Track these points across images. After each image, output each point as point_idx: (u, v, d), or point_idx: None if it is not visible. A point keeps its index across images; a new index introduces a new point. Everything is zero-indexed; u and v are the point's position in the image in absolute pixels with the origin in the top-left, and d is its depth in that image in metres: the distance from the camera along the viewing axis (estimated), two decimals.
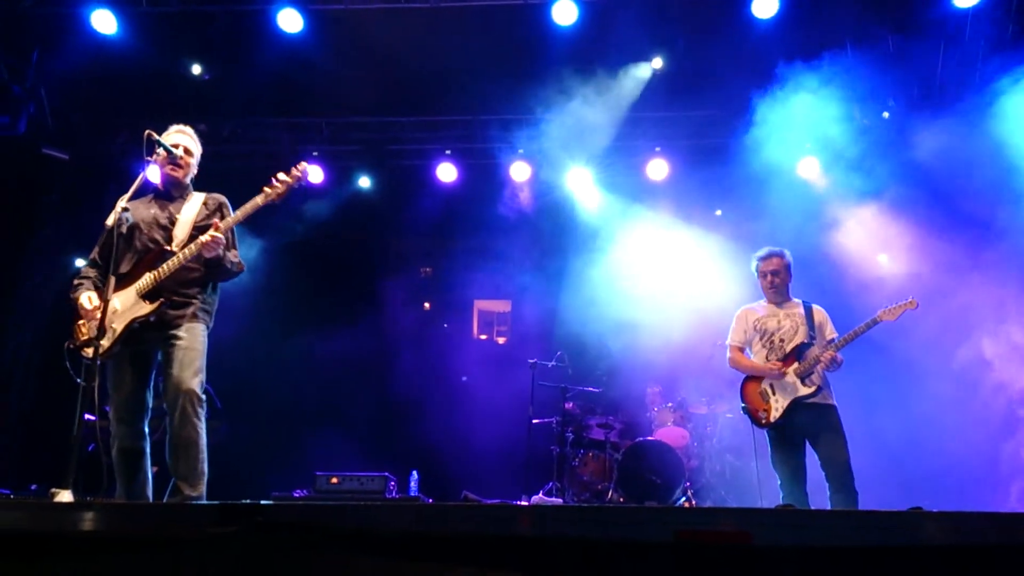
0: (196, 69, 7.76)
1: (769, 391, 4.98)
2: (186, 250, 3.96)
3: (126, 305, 3.93)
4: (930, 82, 7.34)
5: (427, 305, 9.66)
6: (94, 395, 3.58)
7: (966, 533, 2.40)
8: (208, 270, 4.10)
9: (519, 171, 8.79)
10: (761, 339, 5.14)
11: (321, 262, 8.83)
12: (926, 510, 3.94)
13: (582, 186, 8.88)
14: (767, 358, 5.07)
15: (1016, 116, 6.84)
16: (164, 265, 3.95)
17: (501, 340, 9.54)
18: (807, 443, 4.87)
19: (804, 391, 4.86)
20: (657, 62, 7.63)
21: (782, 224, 7.88)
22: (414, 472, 7.41)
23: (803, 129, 7.79)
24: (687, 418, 7.60)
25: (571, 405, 7.80)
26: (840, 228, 7.82)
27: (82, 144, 8.58)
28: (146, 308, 3.90)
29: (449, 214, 9.11)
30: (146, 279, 3.95)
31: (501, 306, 9.63)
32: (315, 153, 8.83)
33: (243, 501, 2.32)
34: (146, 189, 4.32)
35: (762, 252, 5.28)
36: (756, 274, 5.27)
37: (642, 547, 2.23)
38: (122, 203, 3.87)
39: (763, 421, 4.98)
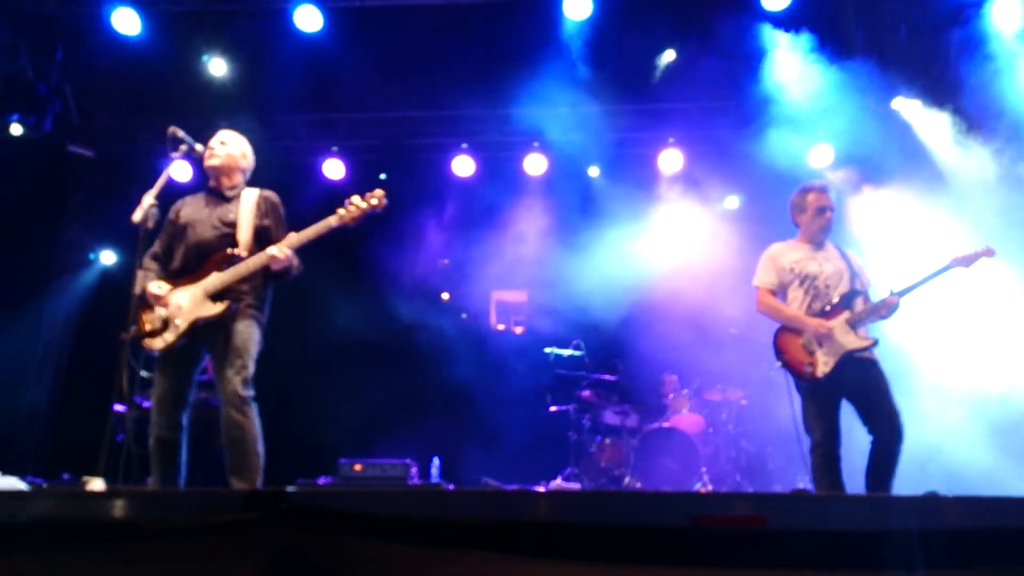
0: (217, 67, 7.85)
1: (814, 343, 4.47)
2: (254, 259, 4.02)
3: (193, 303, 3.98)
4: (942, 72, 7.29)
5: (446, 296, 9.71)
6: (123, 385, 3.67)
7: (981, 517, 2.42)
8: (272, 276, 4.15)
9: (535, 163, 8.83)
10: (801, 284, 4.61)
11: (342, 254, 8.90)
12: (941, 494, 3.98)
13: (597, 177, 8.91)
14: (810, 306, 4.56)
15: None
16: (233, 269, 3.99)
17: (519, 330, 9.59)
18: (843, 400, 4.47)
19: (860, 343, 4.39)
20: (670, 54, 7.64)
21: None
22: (435, 459, 7.50)
23: (815, 119, 7.78)
24: (702, 405, 7.64)
25: (587, 393, 7.86)
26: (852, 216, 7.79)
27: (107, 142, 8.71)
28: (214, 309, 3.95)
29: (467, 206, 9.17)
30: (214, 280, 3.99)
31: (518, 296, 9.67)
32: (334, 148, 8.91)
33: (268, 488, 2.38)
34: (191, 190, 4.38)
35: (817, 182, 4.79)
36: (803, 209, 4.74)
37: (659, 531, 2.26)
38: (148, 199, 3.94)
39: (808, 375, 4.43)
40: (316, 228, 4.13)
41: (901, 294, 4.44)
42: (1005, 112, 6.81)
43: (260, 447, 3.96)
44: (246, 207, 4.22)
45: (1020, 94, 6.75)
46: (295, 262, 4.19)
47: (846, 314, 4.48)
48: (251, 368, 4.00)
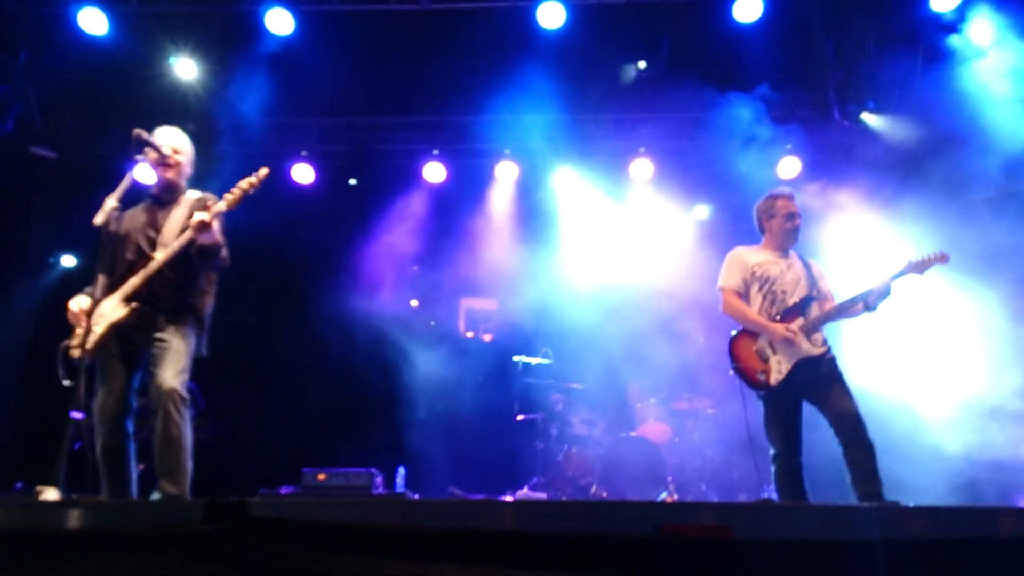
0: (185, 69, 7.75)
1: (768, 349, 4.48)
2: (166, 251, 4.02)
3: (110, 309, 4.00)
4: (908, 85, 7.42)
5: (414, 303, 9.67)
6: (80, 394, 3.62)
7: (944, 527, 2.45)
8: (199, 259, 4.10)
9: (506, 171, 8.85)
10: (760, 288, 4.61)
11: (309, 260, 8.84)
12: (903, 504, 4.03)
13: (568, 186, 8.94)
14: (767, 311, 4.56)
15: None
16: (143, 271, 4.01)
17: (487, 338, 9.57)
18: (804, 402, 4.47)
19: (814, 351, 4.40)
20: (641, 64, 7.70)
21: None
22: (400, 468, 7.45)
23: (783, 130, 7.90)
24: (669, 414, 7.68)
25: (556, 401, 7.86)
26: (821, 228, 7.89)
27: (71, 144, 8.56)
28: (122, 312, 3.96)
29: (437, 213, 9.17)
30: (130, 284, 4.01)
31: (488, 304, 9.66)
32: (304, 153, 8.84)
33: (229, 498, 2.34)
34: (142, 195, 4.36)
35: (785, 189, 4.81)
36: (772, 215, 4.76)
37: (625, 541, 2.26)
38: (111, 202, 3.92)
39: (762, 383, 4.44)
40: (214, 211, 4.08)
41: (894, 278, 4.40)
42: (969, 124, 6.95)
43: (190, 452, 3.96)
44: (180, 210, 4.24)
45: (984, 106, 6.89)
46: (222, 249, 4.14)
47: (800, 320, 4.49)
48: (188, 371, 4.02)
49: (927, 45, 7.11)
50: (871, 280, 4.47)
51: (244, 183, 4.12)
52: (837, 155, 7.98)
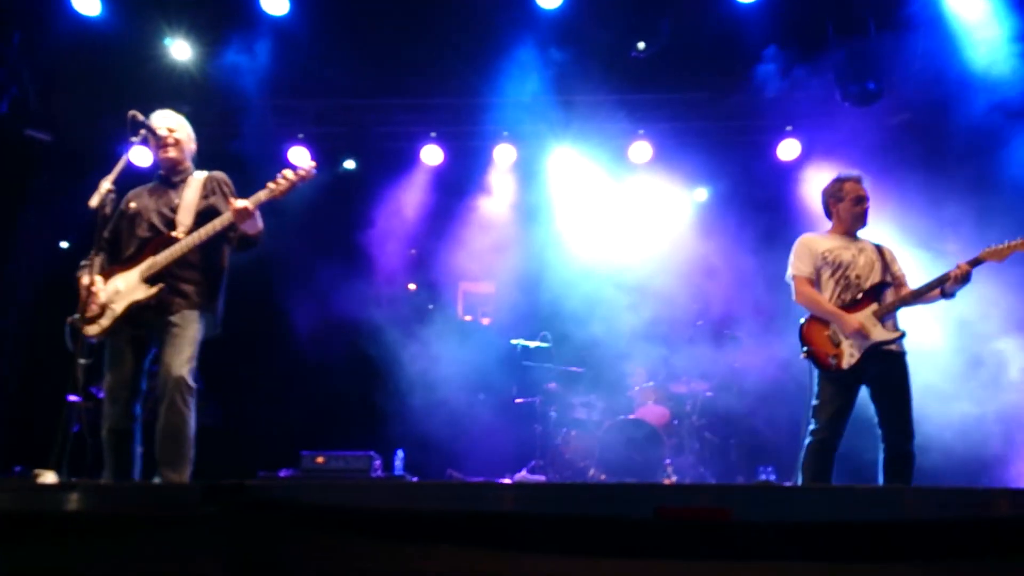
0: (180, 51, 7.69)
1: (840, 334, 4.48)
2: (191, 237, 4.02)
3: (128, 288, 3.99)
4: (910, 64, 7.37)
5: (412, 286, 9.66)
6: (77, 377, 3.62)
7: (945, 508, 2.45)
8: (240, 246, 4.15)
9: (504, 153, 8.80)
10: (833, 273, 4.61)
11: (306, 245, 8.81)
12: (905, 485, 4.04)
13: (566, 168, 8.90)
14: (840, 296, 4.57)
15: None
16: (167, 251, 3.99)
17: (486, 321, 9.57)
18: (861, 390, 4.49)
19: (886, 335, 4.40)
20: (640, 44, 7.63)
21: (765, 206, 7.99)
22: (399, 451, 7.47)
23: (782, 111, 7.85)
24: (667, 396, 7.69)
25: (554, 384, 7.88)
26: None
27: (66, 126, 8.51)
28: (146, 292, 3.96)
29: (435, 196, 9.13)
30: (148, 263, 4.00)
31: (486, 288, 9.65)
32: (300, 135, 8.78)
33: (227, 481, 2.34)
34: (139, 177, 4.36)
35: (853, 172, 4.80)
36: (840, 199, 4.75)
37: (623, 524, 2.27)
38: (106, 184, 3.91)
39: (833, 367, 4.43)
40: (254, 200, 4.09)
41: (973, 265, 4.38)
42: (970, 101, 6.91)
43: (192, 441, 3.97)
44: (192, 190, 4.24)
45: (981, 88, 6.85)
46: (260, 224, 4.16)
47: (873, 306, 4.49)
48: (195, 358, 4.01)
49: (929, 23, 7.05)
50: (947, 265, 4.45)
51: (292, 175, 4.12)
52: (838, 136, 7.93)
